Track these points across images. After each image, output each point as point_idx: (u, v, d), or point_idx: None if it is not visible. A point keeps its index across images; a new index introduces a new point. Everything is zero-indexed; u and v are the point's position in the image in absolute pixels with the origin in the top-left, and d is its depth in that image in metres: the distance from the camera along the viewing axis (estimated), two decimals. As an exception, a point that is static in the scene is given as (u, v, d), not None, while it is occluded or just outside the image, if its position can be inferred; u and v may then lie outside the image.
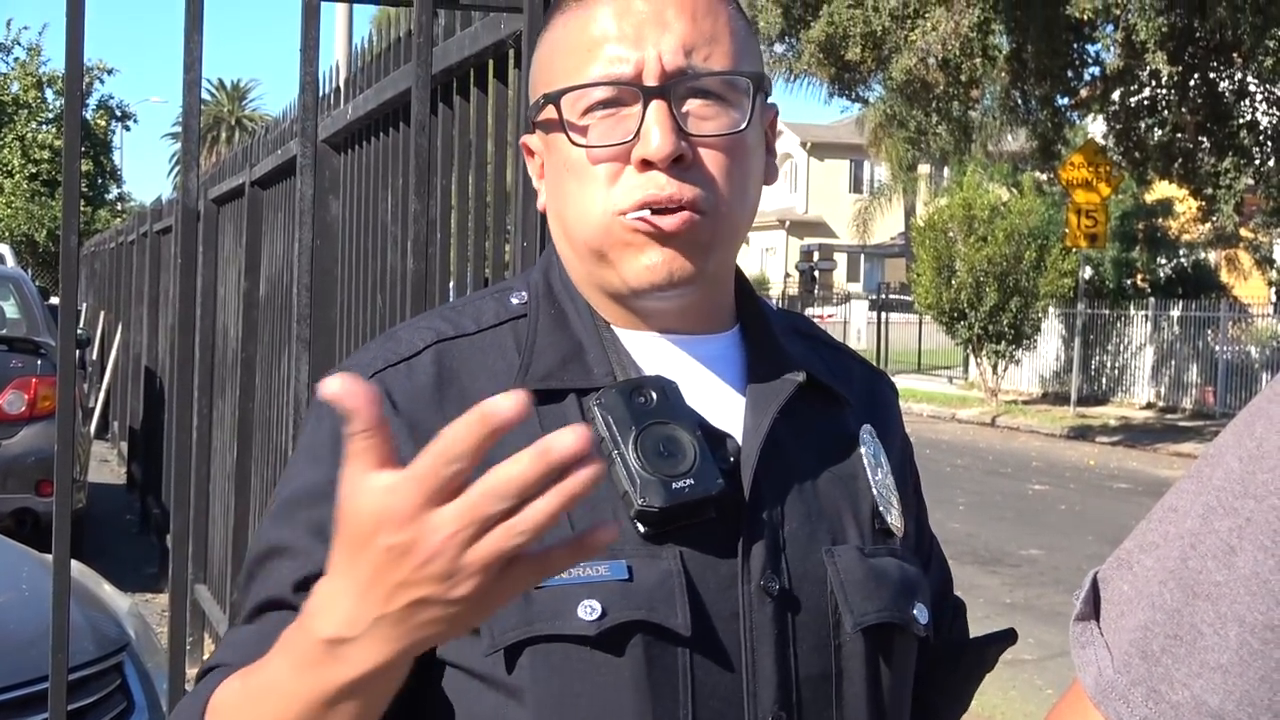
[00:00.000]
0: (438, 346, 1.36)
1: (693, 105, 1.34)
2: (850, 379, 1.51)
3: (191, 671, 7.38)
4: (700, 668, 1.29)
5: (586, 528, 1.01)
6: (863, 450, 1.45)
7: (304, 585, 1.21)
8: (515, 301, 1.41)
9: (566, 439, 0.94)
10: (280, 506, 1.34)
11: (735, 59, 1.36)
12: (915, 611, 1.41)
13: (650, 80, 1.32)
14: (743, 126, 1.36)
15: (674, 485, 1.28)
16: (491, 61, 2.89)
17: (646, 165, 1.32)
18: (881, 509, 1.43)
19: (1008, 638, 1.52)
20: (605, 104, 1.34)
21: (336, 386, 0.97)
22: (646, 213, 1.32)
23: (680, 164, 1.32)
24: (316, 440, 1.35)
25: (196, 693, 1.25)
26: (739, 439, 1.37)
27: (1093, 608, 0.91)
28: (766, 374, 1.42)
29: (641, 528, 1.29)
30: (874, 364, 1.61)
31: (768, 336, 1.46)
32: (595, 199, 1.34)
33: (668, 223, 1.32)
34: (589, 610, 1.26)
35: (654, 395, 1.32)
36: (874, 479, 1.44)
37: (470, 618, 1.01)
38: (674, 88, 1.33)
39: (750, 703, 1.31)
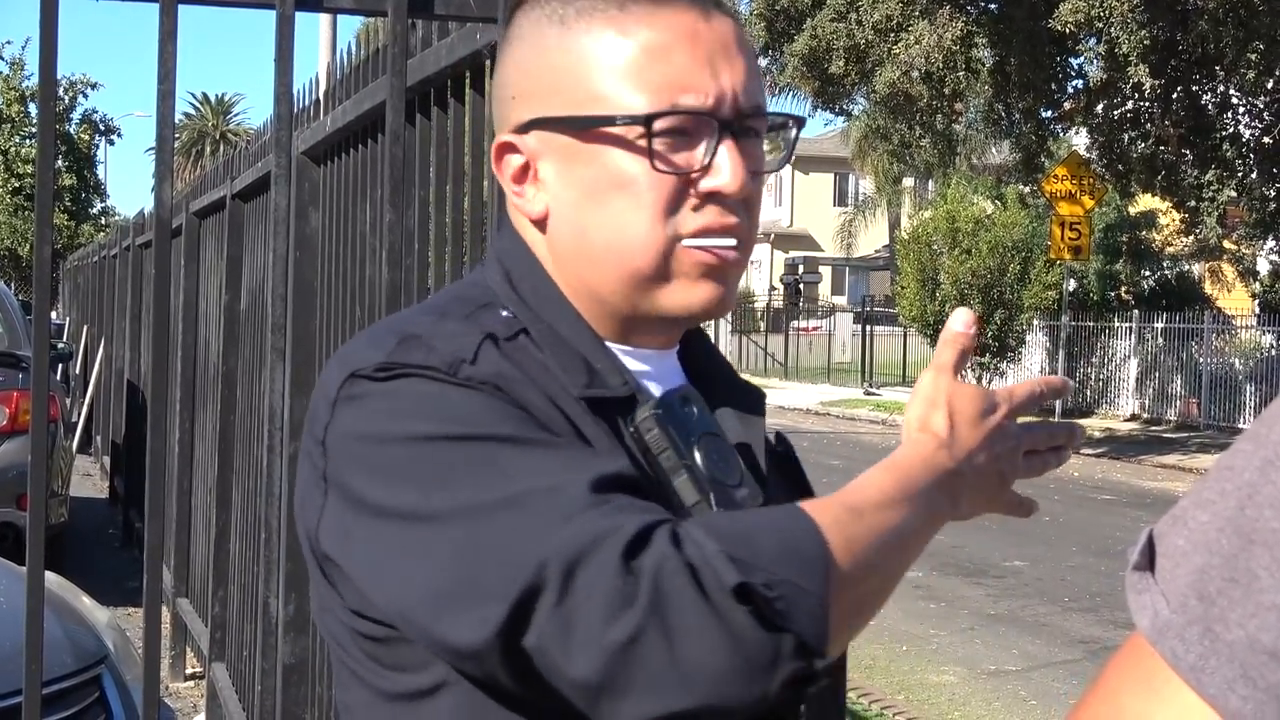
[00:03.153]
0: (489, 342, 1.30)
1: (743, 141, 1.37)
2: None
3: (177, 685, 7.36)
4: None
5: None
6: (788, 451, 1.51)
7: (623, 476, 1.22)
8: (505, 314, 1.37)
9: (1080, 428, 1.52)
10: (494, 426, 1.23)
11: (764, 97, 1.41)
12: None
13: (726, 114, 1.34)
14: (783, 165, 1.48)
15: (736, 494, 1.30)
16: (468, 73, 2.89)
17: (712, 197, 1.34)
18: None
19: None
20: (675, 130, 1.34)
21: (969, 317, 1.38)
22: (711, 241, 1.34)
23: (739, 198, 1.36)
24: (462, 403, 1.25)
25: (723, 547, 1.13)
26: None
27: (1148, 559, 0.93)
28: (727, 385, 1.45)
29: None
30: None
31: (710, 349, 1.50)
32: (654, 222, 1.34)
33: (731, 255, 1.36)
34: None
35: (695, 407, 1.33)
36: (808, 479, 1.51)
37: (987, 508, 1.41)
38: (740, 123, 1.36)
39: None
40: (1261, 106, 21.47)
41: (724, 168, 1.33)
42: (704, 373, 1.46)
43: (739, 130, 1.35)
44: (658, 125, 1.32)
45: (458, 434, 1.22)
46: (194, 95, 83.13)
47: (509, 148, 1.39)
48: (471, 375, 1.26)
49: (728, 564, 1.11)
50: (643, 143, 1.33)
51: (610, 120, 1.33)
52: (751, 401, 1.44)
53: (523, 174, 1.39)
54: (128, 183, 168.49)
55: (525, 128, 1.38)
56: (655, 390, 1.39)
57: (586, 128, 1.35)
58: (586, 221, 1.36)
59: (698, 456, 1.29)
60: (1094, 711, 0.93)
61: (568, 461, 1.20)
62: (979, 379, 25.37)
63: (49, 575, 3.30)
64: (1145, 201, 26.98)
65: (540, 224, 1.39)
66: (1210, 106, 21.29)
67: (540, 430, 1.24)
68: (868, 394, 31.61)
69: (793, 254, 52.11)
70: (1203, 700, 0.88)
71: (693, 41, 1.34)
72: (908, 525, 1.24)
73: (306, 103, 4.45)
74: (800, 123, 1.45)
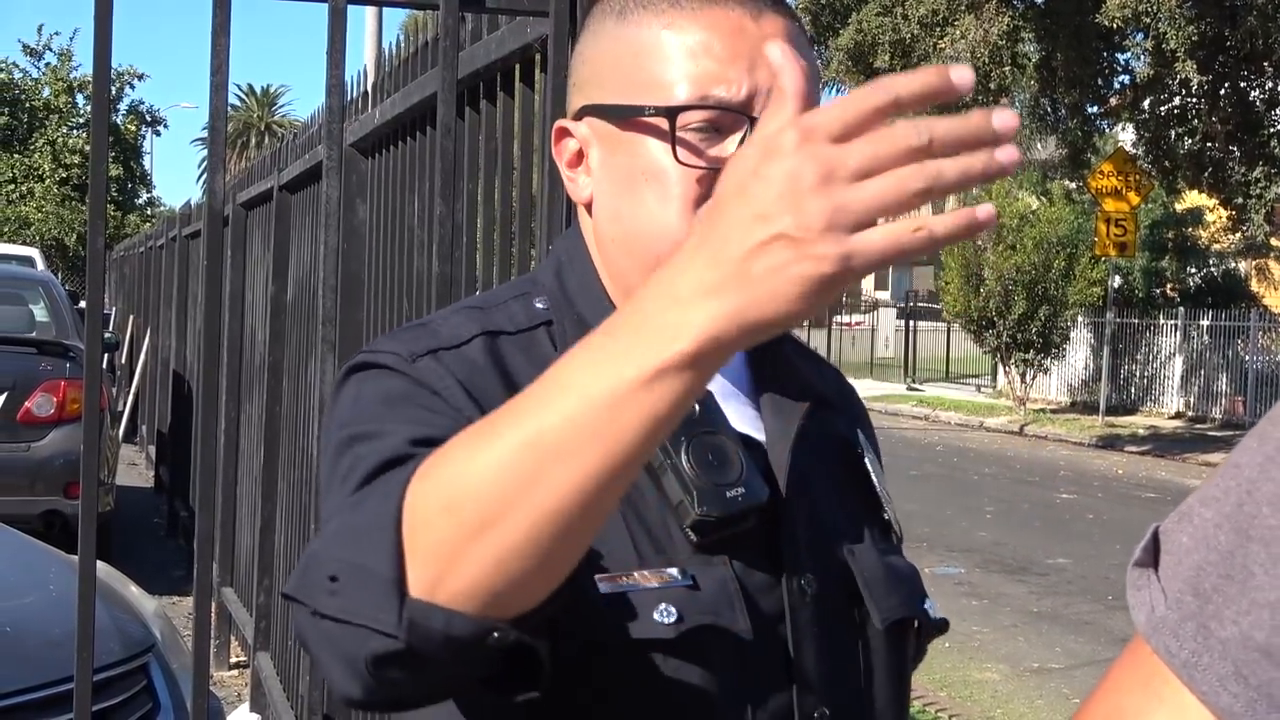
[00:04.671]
0: (484, 338, 1.35)
1: None
2: (829, 383, 1.55)
3: (221, 673, 7.42)
4: (759, 669, 1.31)
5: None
6: (863, 453, 1.49)
7: (425, 443, 1.14)
8: (539, 306, 1.41)
9: (1006, 116, 0.89)
10: (360, 416, 1.27)
11: (816, 98, 1.32)
12: (926, 605, 1.45)
13: (759, 110, 1.31)
14: None
15: (728, 494, 1.30)
16: (518, 66, 2.89)
17: None
18: (885, 509, 1.47)
19: (941, 628, 1.50)
20: (709, 125, 1.33)
21: (781, 51, 0.93)
22: None
23: None
24: (378, 389, 1.29)
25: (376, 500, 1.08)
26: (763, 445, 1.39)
27: (1152, 556, 0.93)
28: (778, 384, 1.44)
29: (694, 537, 1.31)
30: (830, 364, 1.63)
31: (771, 349, 1.45)
32: (682, 214, 1.33)
33: None
34: (665, 614, 1.27)
35: (697, 405, 1.32)
36: (876, 480, 1.48)
37: (812, 296, 0.90)
38: None
39: (799, 702, 1.33)
40: (1311, 103, 21.29)
41: None
42: (763, 365, 1.45)
43: None
44: (687, 117, 1.33)
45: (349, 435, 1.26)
46: (240, 87, 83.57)
47: (565, 132, 1.43)
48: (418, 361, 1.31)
49: (295, 574, 1.13)
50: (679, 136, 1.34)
51: (641, 110, 1.35)
52: (793, 397, 1.43)
53: (577, 159, 1.43)
54: (172, 173, 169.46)
55: (579, 114, 1.42)
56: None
57: (624, 116, 1.37)
58: (620, 209, 1.39)
59: (683, 457, 1.30)
60: (1095, 710, 0.93)
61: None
62: (1022, 375, 25.27)
63: (98, 564, 3.32)
64: (1191, 198, 26.82)
65: (588, 209, 1.43)
66: (1258, 103, 21.12)
67: (436, 414, 1.25)
68: (910, 389, 31.50)
69: (835, 248, 51.83)
70: (1195, 698, 0.87)
71: (736, 38, 1.33)
72: (547, 434, 0.96)
73: (355, 95, 4.47)
74: None
